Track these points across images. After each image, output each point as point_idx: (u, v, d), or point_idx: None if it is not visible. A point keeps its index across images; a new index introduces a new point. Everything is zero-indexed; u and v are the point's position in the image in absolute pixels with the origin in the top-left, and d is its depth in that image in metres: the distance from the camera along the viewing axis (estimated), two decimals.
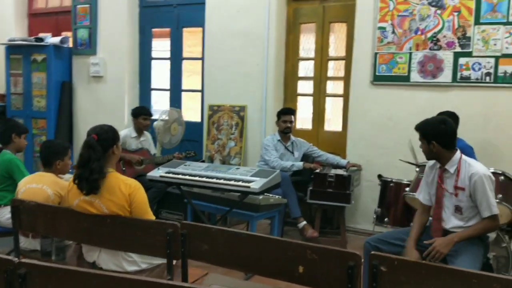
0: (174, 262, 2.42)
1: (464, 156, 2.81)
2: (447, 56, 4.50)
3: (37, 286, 1.80)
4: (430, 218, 3.00)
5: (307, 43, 5.45)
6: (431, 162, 2.98)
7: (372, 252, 1.98)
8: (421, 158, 4.34)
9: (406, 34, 4.65)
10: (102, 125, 2.61)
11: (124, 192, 2.49)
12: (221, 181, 3.60)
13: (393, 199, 4.14)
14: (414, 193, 3.57)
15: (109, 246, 2.57)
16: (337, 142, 5.23)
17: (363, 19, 4.85)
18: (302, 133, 5.26)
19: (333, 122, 5.40)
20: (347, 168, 4.68)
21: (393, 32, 4.70)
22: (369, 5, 4.80)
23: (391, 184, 4.13)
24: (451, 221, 2.80)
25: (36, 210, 2.74)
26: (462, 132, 4.02)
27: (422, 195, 3.03)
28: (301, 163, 4.66)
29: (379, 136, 4.86)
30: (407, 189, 3.70)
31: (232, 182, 3.55)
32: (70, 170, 3.51)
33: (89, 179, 2.43)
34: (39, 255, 2.88)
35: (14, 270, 1.82)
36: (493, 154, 4.29)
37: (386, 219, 4.13)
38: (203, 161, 5.47)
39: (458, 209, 2.76)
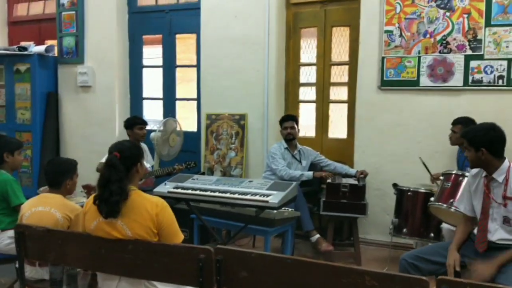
0: None
1: None
2: (457, 59, 4.38)
3: None
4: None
5: (308, 48, 5.28)
6: (475, 170, 2.81)
7: (440, 277, 1.79)
8: (434, 171, 4.24)
9: (414, 37, 4.52)
10: (123, 141, 2.41)
11: (150, 212, 2.25)
12: (236, 195, 3.39)
13: (411, 208, 3.98)
14: (440, 203, 3.42)
15: (131, 274, 2.32)
16: (342, 150, 5.07)
17: (369, 23, 4.70)
18: (306, 141, 5.07)
19: (337, 129, 5.22)
20: (357, 177, 4.50)
21: (401, 35, 4.56)
22: (375, 8, 4.65)
23: (408, 193, 3.97)
24: (498, 233, 2.63)
25: (45, 236, 2.47)
26: None
27: (464, 206, 2.86)
28: (310, 173, 4.46)
29: (388, 143, 4.71)
30: (431, 198, 3.53)
31: (248, 197, 3.34)
32: (81, 191, 3.25)
33: (109, 201, 2.19)
34: (47, 285, 2.61)
35: None
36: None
37: (404, 230, 3.96)
38: (203, 173, 5.25)
39: (506, 221, 2.60)
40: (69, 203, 2.70)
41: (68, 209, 2.64)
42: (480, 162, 2.66)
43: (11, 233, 3.07)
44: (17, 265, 2.53)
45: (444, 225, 3.71)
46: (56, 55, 6.41)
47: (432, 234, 3.88)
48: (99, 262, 2.38)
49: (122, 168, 2.22)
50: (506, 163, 2.65)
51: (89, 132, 6.24)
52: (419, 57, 4.51)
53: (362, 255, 4.37)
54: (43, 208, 2.62)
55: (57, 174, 2.70)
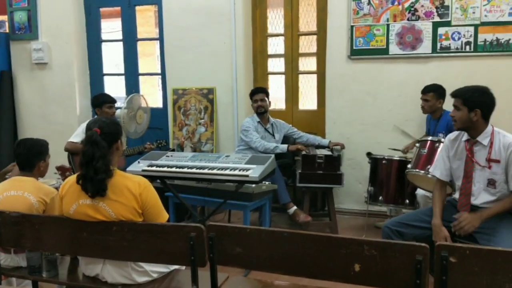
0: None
1: (496, 128, 2.68)
2: (425, 27, 4.39)
3: None
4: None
5: (275, 19, 5.17)
6: (453, 135, 2.82)
7: (438, 243, 1.79)
8: (404, 138, 4.28)
9: (382, 5, 4.49)
10: (102, 118, 2.28)
11: (133, 191, 2.15)
12: (215, 171, 3.30)
13: (386, 176, 4.02)
14: (417, 170, 3.45)
15: (117, 257, 2.22)
16: (313, 121, 5.04)
17: None
18: (276, 113, 5.01)
19: (307, 101, 5.18)
20: (330, 148, 4.50)
21: (369, 3, 4.52)
22: None
23: (383, 162, 4.00)
24: (481, 196, 2.66)
25: (20, 222, 2.33)
26: (446, 104, 3.96)
27: (440, 171, 2.88)
28: (285, 146, 4.41)
29: (359, 112, 4.72)
30: (409, 166, 3.56)
31: (228, 172, 3.26)
32: (54, 173, 3.09)
33: (95, 180, 2.07)
34: (24, 272, 2.48)
35: None
36: None
37: (380, 198, 4.00)
38: (173, 150, 5.11)
39: (491, 183, 2.62)
40: (43, 186, 2.54)
41: (43, 192, 2.49)
42: (469, 123, 2.65)
43: None
44: None
45: (419, 192, 3.77)
46: (7, 31, 6.04)
47: (407, 201, 3.94)
48: (81, 246, 2.26)
49: (105, 144, 2.10)
50: (489, 127, 2.67)
51: (48, 112, 5.96)
52: (388, 25, 4.50)
53: (338, 224, 4.40)
54: (15, 193, 2.45)
55: (30, 156, 2.53)
